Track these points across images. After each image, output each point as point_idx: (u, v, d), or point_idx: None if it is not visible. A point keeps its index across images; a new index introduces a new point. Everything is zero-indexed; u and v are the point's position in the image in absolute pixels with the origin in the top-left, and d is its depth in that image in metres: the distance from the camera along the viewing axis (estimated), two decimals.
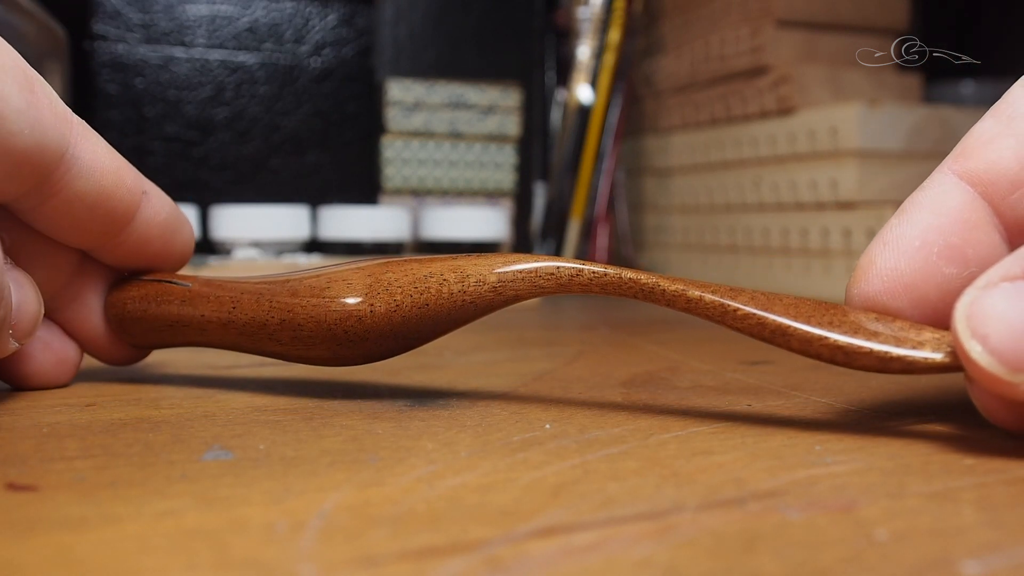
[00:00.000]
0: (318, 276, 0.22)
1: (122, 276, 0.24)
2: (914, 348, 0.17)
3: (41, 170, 0.19)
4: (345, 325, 0.21)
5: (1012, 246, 0.19)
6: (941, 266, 0.18)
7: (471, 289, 0.21)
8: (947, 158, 0.19)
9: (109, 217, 0.21)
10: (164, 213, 0.23)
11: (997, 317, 0.15)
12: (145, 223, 0.22)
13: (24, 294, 0.20)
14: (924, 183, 0.19)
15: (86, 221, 0.21)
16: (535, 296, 0.21)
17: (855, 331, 0.18)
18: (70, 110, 0.20)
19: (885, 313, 0.19)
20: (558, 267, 0.20)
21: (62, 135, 0.20)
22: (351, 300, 0.21)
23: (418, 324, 0.21)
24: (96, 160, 0.21)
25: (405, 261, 0.21)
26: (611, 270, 0.20)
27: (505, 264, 0.21)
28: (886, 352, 0.17)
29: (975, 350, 0.15)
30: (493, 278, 0.21)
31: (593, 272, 0.20)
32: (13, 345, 0.20)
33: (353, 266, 0.22)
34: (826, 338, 0.18)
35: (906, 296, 0.18)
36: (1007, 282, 0.16)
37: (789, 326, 0.18)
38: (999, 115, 0.19)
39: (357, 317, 0.21)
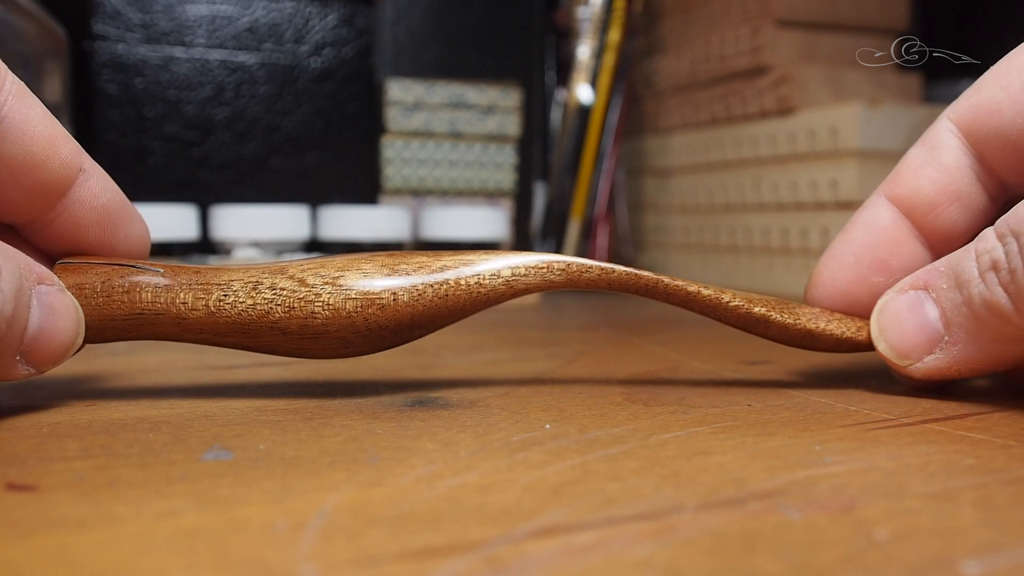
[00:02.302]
0: (323, 265, 0.21)
1: (77, 258, 0.21)
2: (858, 332, 0.22)
3: None
4: (366, 312, 0.20)
5: (934, 254, 0.23)
6: (871, 276, 0.23)
7: (486, 281, 0.21)
8: (883, 182, 0.23)
9: (38, 188, 0.20)
10: (104, 198, 0.21)
11: (894, 316, 0.21)
12: (79, 203, 0.20)
13: (55, 321, 0.19)
14: (864, 204, 0.23)
15: (11, 189, 0.20)
16: (544, 290, 0.22)
17: (815, 320, 0.23)
18: (7, 68, 0.19)
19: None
20: (568, 263, 0.22)
21: None
22: (374, 287, 0.20)
23: (436, 314, 0.21)
24: (28, 123, 0.19)
25: (413, 253, 0.21)
26: (618, 267, 0.22)
27: (517, 258, 0.22)
28: (842, 334, 0.22)
29: (879, 341, 0.22)
30: (507, 271, 0.21)
31: (601, 268, 0.22)
32: (25, 370, 0.19)
33: (360, 257, 0.21)
34: (798, 324, 0.22)
35: (844, 300, 0.23)
36: (913, 290, 0.21)
37: (769, 315, 0.22)
38: (926, 144, 0.22)
39: (380, 305, 0.20)
